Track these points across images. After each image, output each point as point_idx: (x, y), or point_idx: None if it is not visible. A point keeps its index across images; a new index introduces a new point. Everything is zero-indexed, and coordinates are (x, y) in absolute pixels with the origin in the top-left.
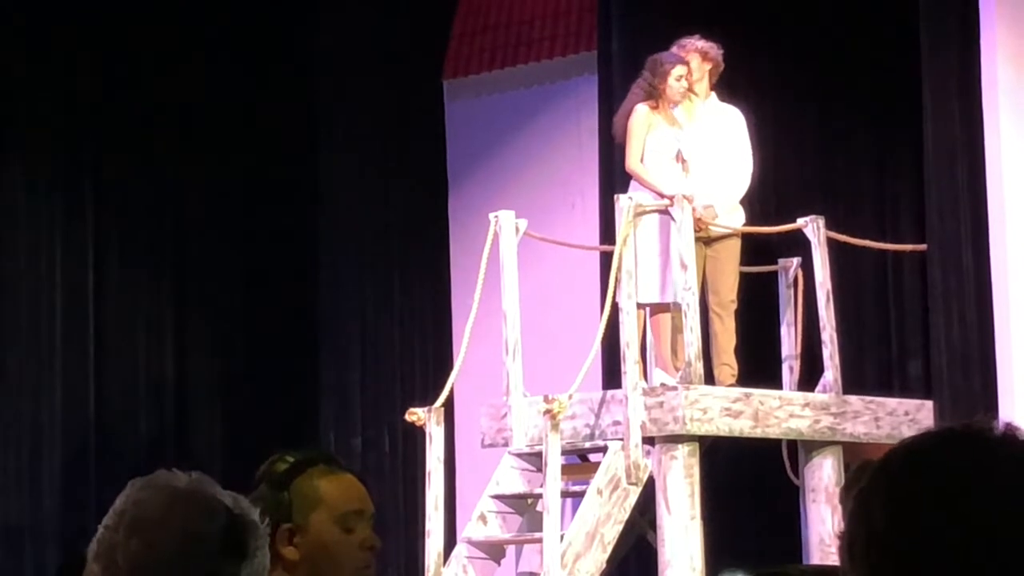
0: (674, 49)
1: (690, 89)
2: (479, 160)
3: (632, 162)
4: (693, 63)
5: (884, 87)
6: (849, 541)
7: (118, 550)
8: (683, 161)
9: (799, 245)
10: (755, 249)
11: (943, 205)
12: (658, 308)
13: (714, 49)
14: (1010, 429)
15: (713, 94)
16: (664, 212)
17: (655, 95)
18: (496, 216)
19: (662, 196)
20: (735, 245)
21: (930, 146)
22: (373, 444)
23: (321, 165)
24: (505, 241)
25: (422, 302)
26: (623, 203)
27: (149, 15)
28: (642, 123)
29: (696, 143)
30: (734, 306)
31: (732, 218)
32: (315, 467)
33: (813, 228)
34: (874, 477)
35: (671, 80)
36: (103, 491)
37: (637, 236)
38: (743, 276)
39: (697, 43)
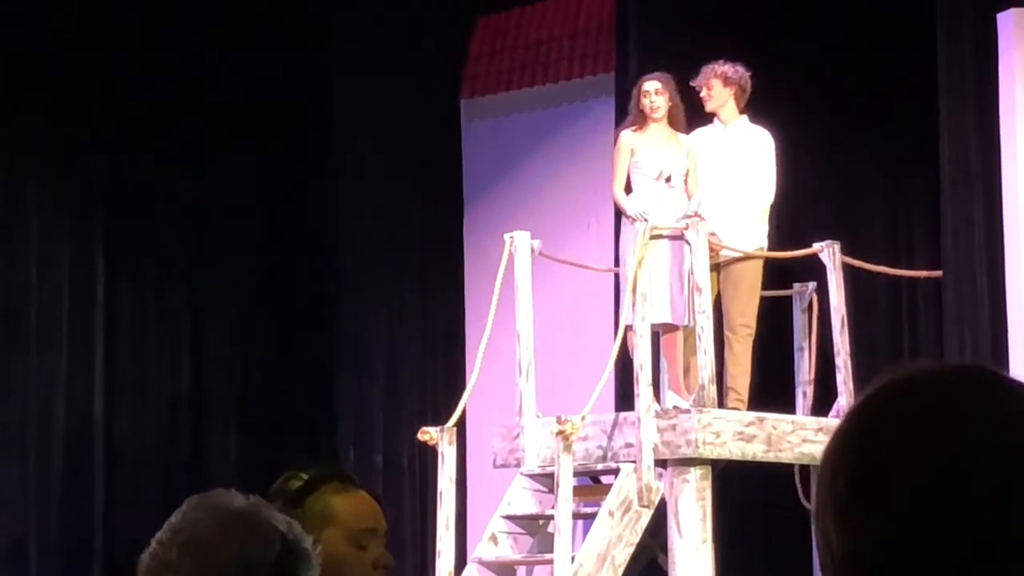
0: (699, 76)
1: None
2: (495, 180)
3: (614, 188)
4: (715, 88)
5: (900, 111)
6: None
7: (170, 568)
8: (667, 180)
9: (814, 269)
10: (770, 273)
11: (958, 231)
12: (669, 329)
13: (737, 72)
14: (983, 374)
15: (744, 116)
16: (679, 237)
17: (639, 117)
18: (511, 236)
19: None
20: (748, 268)
21: (946, 171)
22: (391, 462)
23: (339, 182)
24: (520, 261)
25: (436, 321)
26: (639, 225)
27: (166, 20)
28: (624, 148)
29: (710, 168)
30: (747, 330)
31: (750, 240)
32: (329, 484)
33: (829, 253)
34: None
35: (641, 97)
36: (109, 503)
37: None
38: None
39: (718, 67)
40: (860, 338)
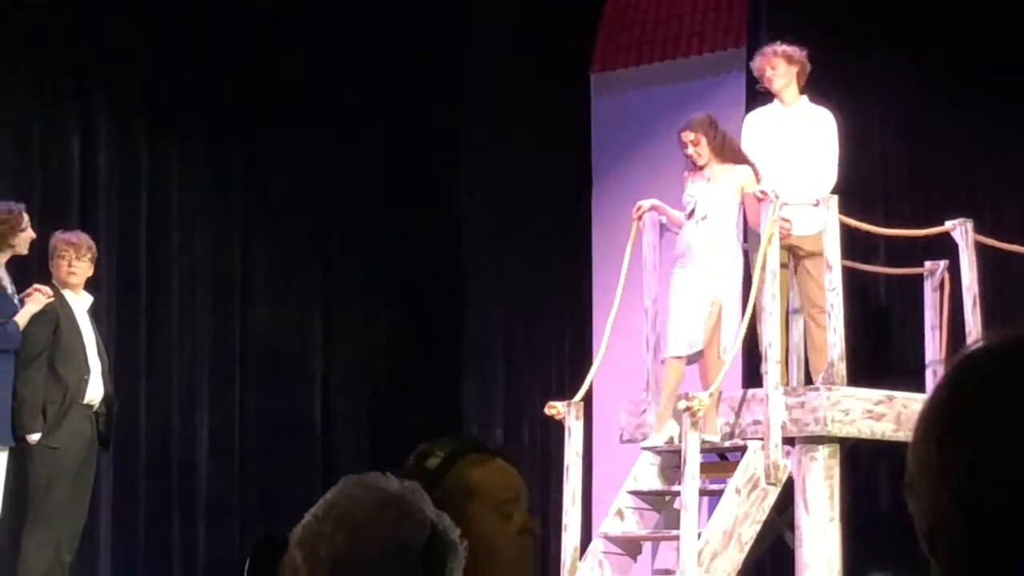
0: (756, 58)
1: (771, 92)
2: (624, 154)
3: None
4: (779, 68)
5: None
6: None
7: (323, 541)
8: (702, 218)
9: (944, 248)
10: (900, 252)
11: None
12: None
13: (799, 51)
14: None
15: (804, 97)
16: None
17: (688, 163)
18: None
19: None
20: (817, 251)
21: None
22: (513, 437)
23: (466, 155)
24: (648, 237)
25: (564, 295)
26: (770, 200)
27: (299, 8)
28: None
29: (770, 148)
30: (823, 315)
31: (813, 222)
32: (466, 458)
33: (961, 231)
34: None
35: (683, 149)
36: (246, 470)
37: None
38: (886, 277)
39: (778, 48)
40: (992, 317)
